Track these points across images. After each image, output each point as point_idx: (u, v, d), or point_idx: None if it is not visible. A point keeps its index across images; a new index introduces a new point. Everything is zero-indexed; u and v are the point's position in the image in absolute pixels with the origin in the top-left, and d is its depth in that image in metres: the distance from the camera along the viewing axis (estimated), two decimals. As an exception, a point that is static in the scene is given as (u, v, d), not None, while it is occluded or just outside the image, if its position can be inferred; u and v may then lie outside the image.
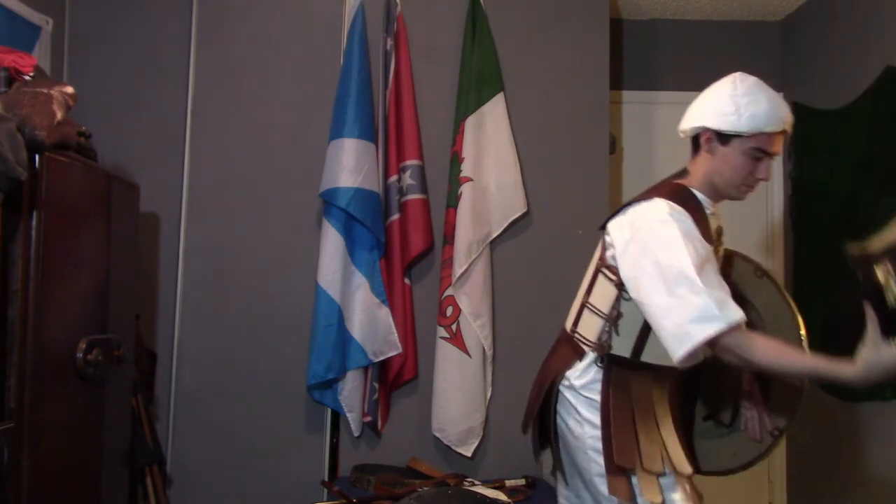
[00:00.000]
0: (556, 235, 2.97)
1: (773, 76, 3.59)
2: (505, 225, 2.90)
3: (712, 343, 1.57)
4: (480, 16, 2.96)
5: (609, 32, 3.07)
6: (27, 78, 2.12)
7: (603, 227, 1.85)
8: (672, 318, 1.58)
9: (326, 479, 2.87)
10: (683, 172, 1.87)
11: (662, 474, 1.70)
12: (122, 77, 2.99)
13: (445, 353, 2.81)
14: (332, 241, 2.81)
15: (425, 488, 2.49)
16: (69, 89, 2.11)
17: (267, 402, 2.91)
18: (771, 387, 1.89)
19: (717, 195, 1.81)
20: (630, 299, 1.70)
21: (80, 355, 2.06)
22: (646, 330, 1.73)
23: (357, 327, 2.79)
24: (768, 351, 1.58)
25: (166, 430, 2.89)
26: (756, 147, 1.71)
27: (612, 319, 1.77)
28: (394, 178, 2.88)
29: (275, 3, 3.04)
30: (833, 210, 3.06)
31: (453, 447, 2.85)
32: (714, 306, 1.55)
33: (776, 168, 3.56)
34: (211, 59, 3.00)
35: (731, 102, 1.73)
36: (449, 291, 2.81)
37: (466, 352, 2.80)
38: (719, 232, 1.87)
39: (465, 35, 2.97)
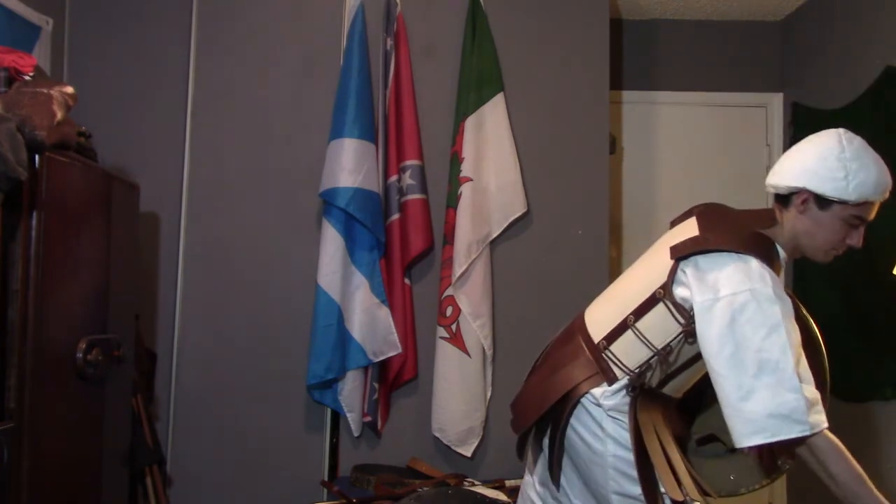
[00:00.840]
0: (556, 235, 2.97)
1: (773, 76, 3.60)
2: (505, 225, 2.90)
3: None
4: (480, 16, 2.96)
5: (609, 32, 3.07)
6: (27, 78, 2.12)
7: (678, 258, 1.66)
8: (753, 405, 1.48)
9: (326, 479, 2.87)
10: (772, 220, 1.71)
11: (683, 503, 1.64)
12: (122, 77, 2.99)
13: (445, 353, 2.81)
14: (332, 241, 2.81)
15: (425, 488, 2.49)
16: (69, 89, 2.11)
17: (267, 402, 2.91)
18: None
19: (796, 252, 1.71)
20: (694, 344, 1.60)
21: (80, 355, 2.06)
22: (683, 368, 1.68)
23: (357, 327, 2.79)
24: (847, 469, 1.54)
25: (166, 430, 2.89)
26: (857, 215, 1.61)
27: (663, 356, 1.65)
28: (394, 178, 2.88)
29: (275, 3, 3.04)
30: (833, 210, 3.06)
31: (453, 447, 2.85)
32: (804, 409, 1.46)
33: (776, 168, 3.56)
34: (211, 59, 3.00)
35: (840, 167, 1.59)
36: (449, 291, 2.81)
37: (466, 352, 2.80)
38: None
39: (465, 35, 2.97)
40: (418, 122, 2.92)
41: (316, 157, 2.87)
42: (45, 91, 2.01)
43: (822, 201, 1.61)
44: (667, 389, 1.73)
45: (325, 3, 3.02)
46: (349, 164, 2.77)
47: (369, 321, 2.80)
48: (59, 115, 1.99)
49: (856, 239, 1.64)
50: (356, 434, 2.87)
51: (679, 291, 1.64)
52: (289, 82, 3.01)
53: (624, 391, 1.68)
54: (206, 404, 2.90)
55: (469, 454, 2.85)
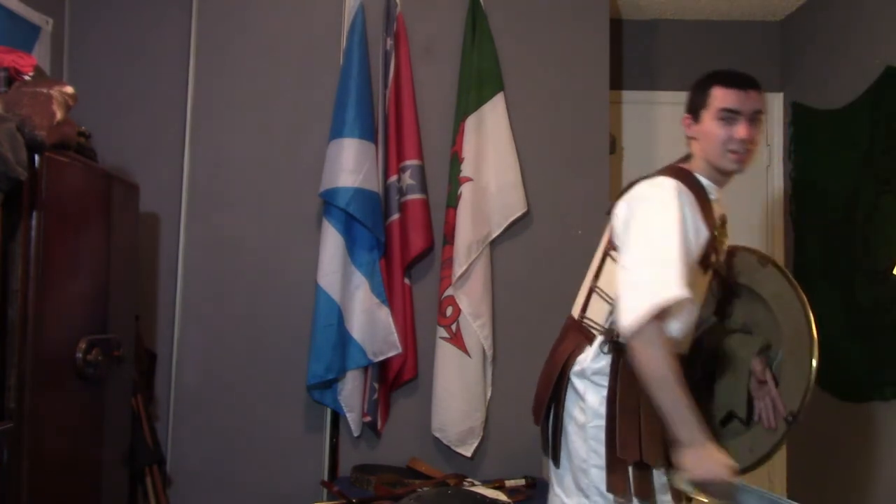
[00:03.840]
0: (556, 235, 2.97)
1: (773, 76, 3.60)
2: (505, 225, 2.90)
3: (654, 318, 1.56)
4: (480, 16, 2.96)
5: (609, 32, 3.07)
6: (27, 78, 2.12)
7: (609, 212, 1.85)
8: (634, 291, 1.60)
9: (326, 479, 2.87)
10: (687, 157, 1.88)
11: (660, 469, 1.70)
12: (122, 77, 2.99)
13: (445, 353, 2.81)
14: (331, 241, 2.81)
15: (425, 488, 2.49)
16: (69, 89, 2.11)
17: (267, 402, 2.90)
18: (781, 376, 1.88)
19: (718, 177, 1.81)
20: None
21: (80, 355, 2.06)
22: None
23: (357, 327, 2.79)
24: (656, 368, 1.56)
25: (166, 430, 2.89)
26: (720, 108, 1.75)
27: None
28: (394, 178, 2.88)
29: (275, 3, 3.04)
30: (833, 210, 3.06)
31: (453, 447, 2.85)
32: (642, 296, 1.57)
33: (776, 168, 3.56)
34: (211, 59, 3.00)
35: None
36: (449, 291, 2.81)
37: (466, 352, 2.80)
38: (723, 220, 1.86)
39: (465, 35, 2.97)
40: (418, 122, 2.92)
41: (316, 157, 2.87)
42: (45, 91, 2.01)
43: (694, 114, 1.82)
44: None
45: (325, 3, 3.02)
46: (349, 164, 2.77)
47: (369, 321, 2.80)
48: (59, 115, 2.00)
49: (740, 132, 1.73)
50: (356, 434, 2.86)
51: (615, 238, 1.79)
52: (289, 82, 3.00)
53: (605, 349, 1.77)
54: (206, 404, 2.90)
55: (469, 454, 2.85)
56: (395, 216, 2.87)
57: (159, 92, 2.99)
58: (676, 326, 1.71)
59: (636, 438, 1.69)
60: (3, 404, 1.82)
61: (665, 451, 1.69)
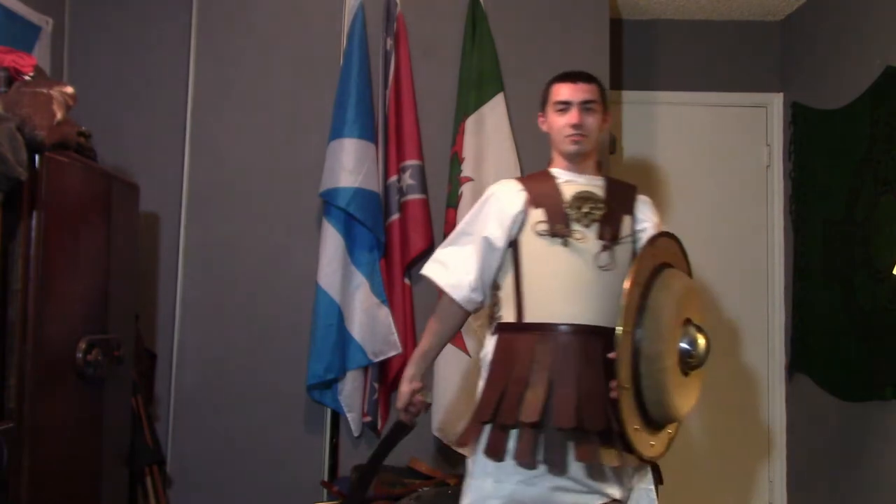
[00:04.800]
0: (556, 235, 2.97)
1: (773, 76, 3.60)
2: (505, 225, 2.90)
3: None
4: (480, 16, 2.96)
5: (609, 32, 3.07)
6: (27, 78, 2.12)
7: None
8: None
9: (326, 479, 2.87)
10: (550, 160, 2.10)
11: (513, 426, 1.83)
12: (122, 77, 2.99)
13: (445, 353, 2.80)
14: (331, 241, 2.81)
15: (425, 488, 2.50)
16: (69, 89, 2.11)
17: (267, 403, 2.90)
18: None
19: (569, 163, 2.01)
20: (499, 269, 1.98)
21: (80, 355, 2.06)
22: (518, 293, 1.92)
23: (357, 327, 2.79)
24: (432, 318, 2.06)
25: (166, 430, 2.89)
26: (555, 101, 2.00)
27: (494, 290, 2.00)
28: (394, 178, 2.88)
29: (275, 3, 3.04)
30: (833, 210, 3.06)
31: (453, 447, 2.84)
32: (439, 266, 2.01)
33: (776, 168, 3.56)
34: (211, 59, 3.00)
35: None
36: (449, 291, 2.81)
37: (466, 352, 2.80)
38: (584, 195, 1.95)
39: (465, 35, 2.97)
40: (418, 122, 2.92)
41: (316, 157, 2.87)
42: (45, 91, 2.01)
43: (543, 112, 2.08)
44: (531, 318, 1.90)
45: (325, 3, 3.02)
46: (349, 164, 2.77)
47: (369, 321, 2.80)
48: (59, 115, 2.00)
49: (571, 118, 1.97)
50: (356, 434, 2.86)
51: None
52: (289, 82, 3.00)
53: (489, 336, 2.02)
54: (206, 404, 2.90)
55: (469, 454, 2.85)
56: (396, 216, 2.87)
57: (159, 92, 3.00)
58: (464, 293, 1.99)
59: (494, 401, 1.86)
60: (3, 404, 1.82)
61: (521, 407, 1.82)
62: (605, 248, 1.89)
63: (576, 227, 1.89)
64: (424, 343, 2.07)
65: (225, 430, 2.90)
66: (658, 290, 1.82)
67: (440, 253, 2.08)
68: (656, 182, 3.53)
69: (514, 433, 1.83)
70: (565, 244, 1.89)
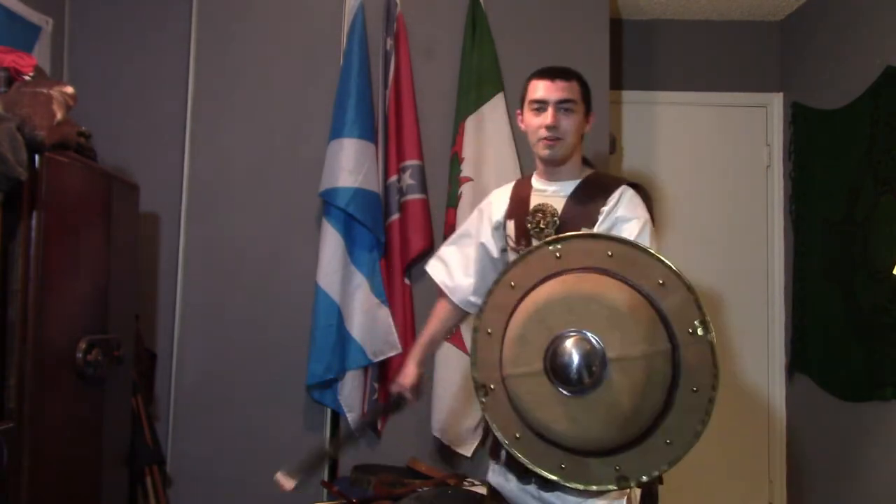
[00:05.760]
0: (556, 235, 2.97)
1: (773, 76, 3.60)
2: (505, 225, 2.90)
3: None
4: (480, 16, 2.96)
5: (609, 32, 3.07)
6: (27, 78, 2.12)
7: None
8: None
9: (326, 479, 2.87)
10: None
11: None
12: (122, 77, 2.99)
13: (445, 353, 2.81)
14: (331, 242, 2.81)
15: (425, 488, 2.49)
16: (69, 89, 2.11)
17: (267, 402, 2.90)
18: None
19: (545, 168, 1.93)
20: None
21: (80, 355, 2.06)
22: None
23: (357, 327, 2.79)
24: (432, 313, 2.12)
25: (166, 430, 2.89)
26: (531, 100, 1.90)
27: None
28: (394, 178, 2.88)
29: (275, 3, 3.04)
30: (833, 210, 3.06)
31: (453, 447, 2.85)
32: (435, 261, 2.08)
33: (776, 168, 3.56)
34: (211, 60, 3.00)
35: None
36: (449, 291, 2.81)
37: (466, 352, 2.79)
38: (538, 209, 1.87)
39: (465, 35, 2.97)
40: (418, 122, 2.92)
41: (316, 157, 2.86)
42: (45, 91, 2.01)
43: (521, 109, 1.98)
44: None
45: (325, 3, 3.02)
46: (349, 164, 2.77)
47: (369, 321, 2.80)
48: (59, 115, 2.00)
49: (544, 119, 1.86)
50: (356, 434, 2.86)
51: None
52: (289, 82, 3.00)
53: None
54: (206, 404, 2.90)
55: (469, 454, 2.85)
56: (395, 216, 2.87)
57: (159, 92, 2.99)
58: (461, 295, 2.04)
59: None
60: (3, 404, 1.83)
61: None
62: None
63: (534, 242, 1.81)
64: (431, 328, 2.12)
65: (225, 430, 2.90)
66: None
67: (444, 251, 2.09)
68: (656, 182, 3.53)
69: None
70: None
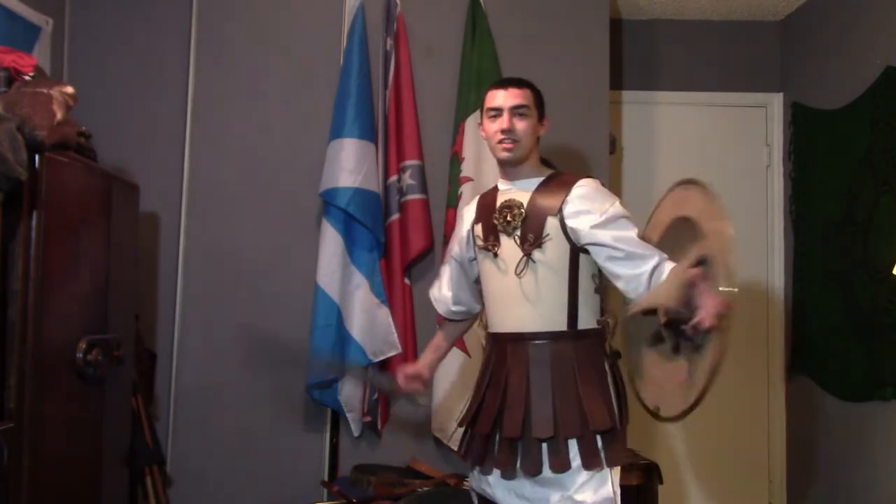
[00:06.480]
0: (556, 235, 2.97)
1: (773, 76, 3.60)
2: (505, 225, 2.90)
3: None
4: (480, 16, 2.96)
5: (609, 32, 3.07)
6: (27, 78, 2.12)
7: None
8: None
9: (326, 479, 2.87)
10: None
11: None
12: (122, 77, 2.99)
13: (445, 353, 2.81)
14: (331, 241, 2.81)
15: (425, 488, 2.50)
16: (69, 89, 2.11)
17: (267, 402, 2.90)
18: None
19: (505, 168, 2.02)
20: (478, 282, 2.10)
21: (80, 355, 2.06)
22: (483, 305, 2.08)
23: (357, 327, 2.79)
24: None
25: (166, 430, 2.89)
26: (487, 108, 2.00)
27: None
28: (394, 178, 2.88)
29: (275, 3, 3.04)
30: (833, 210, 3.06)
31: (453, 447, 2.84)
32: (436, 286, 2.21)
33: (776, 168, 3.57)
34: (211, 59, 3.00)
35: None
36: (449, 291, 2.81)
37: (466, 352, 2.80)
38: (505, 204, 1.97)
39: (465, 35, 2.97)
40: (418, 121, 2.92)
41: (316, 157, 2.86)
42: (45, 91, 2.01)
43: (481, 121, 2.05)
44: (491, 328, 2.07)
45: (325, 3, 3.02)
46: (349, 164, 2.77)
47: (369, 321, 2.80)
48: (59, 115, 2.00)
49: (500, 124, 1.95)
50: (356, 434, 2.86)
51: None
52: (289, 82, 3.00)
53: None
54: (206, 404, 2.90)
55: (469, 454, 2.85)
56: (395, 216, 2.87)
57: (159, 92, 2.99)
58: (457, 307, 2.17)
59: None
60: (3, 404, 1.83)
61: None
62: (525, 254, 1.90)
63: (502, 237, 1.95)
64: (437, 340, 2.26)
65: (225, 430, 2.90)
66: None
67: (441, 268, 2.26)
68: (656, 182, 3.52)
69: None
70: (494, 256, 1.96)
